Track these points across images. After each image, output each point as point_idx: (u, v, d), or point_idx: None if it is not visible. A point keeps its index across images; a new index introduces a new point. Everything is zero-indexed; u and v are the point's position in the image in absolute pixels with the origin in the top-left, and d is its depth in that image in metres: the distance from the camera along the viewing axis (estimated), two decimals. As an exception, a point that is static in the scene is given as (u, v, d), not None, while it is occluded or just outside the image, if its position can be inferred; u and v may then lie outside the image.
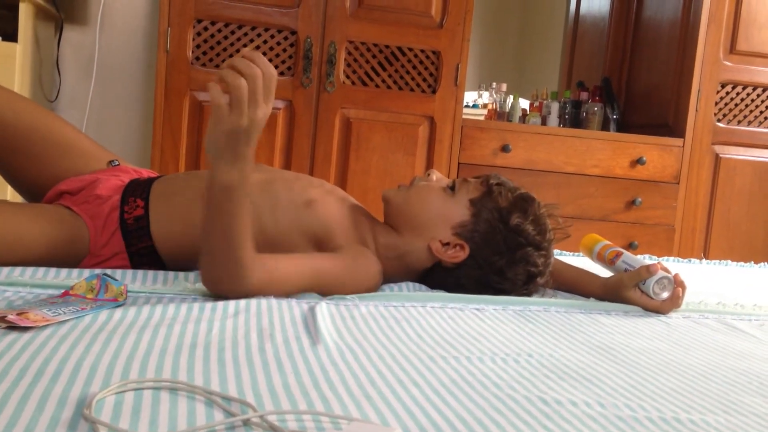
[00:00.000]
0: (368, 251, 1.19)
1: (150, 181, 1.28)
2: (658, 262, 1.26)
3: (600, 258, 1.35)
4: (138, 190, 1.25)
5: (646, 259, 1.37)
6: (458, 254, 1.20)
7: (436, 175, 1.27)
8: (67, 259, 1.17)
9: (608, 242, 1.37)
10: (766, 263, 2.03)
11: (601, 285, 1.30)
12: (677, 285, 1.22)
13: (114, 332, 0.82)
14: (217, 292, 1.02)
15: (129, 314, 0.90)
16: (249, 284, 1.01)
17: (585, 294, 1.33)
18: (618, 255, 1.30)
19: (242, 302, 1.01)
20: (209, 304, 0.98)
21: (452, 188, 1.23)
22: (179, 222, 1.21)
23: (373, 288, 1.17)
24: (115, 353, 0.75)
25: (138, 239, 1.21)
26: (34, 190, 1.35)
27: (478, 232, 1.19)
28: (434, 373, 0.79)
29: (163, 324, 0.87)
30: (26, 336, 0.78)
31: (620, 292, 1.25)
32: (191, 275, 1.16)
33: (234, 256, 0.99)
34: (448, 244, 1.20)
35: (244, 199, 0.98)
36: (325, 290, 1.10)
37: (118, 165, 1.37)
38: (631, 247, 2.83)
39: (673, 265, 1.90)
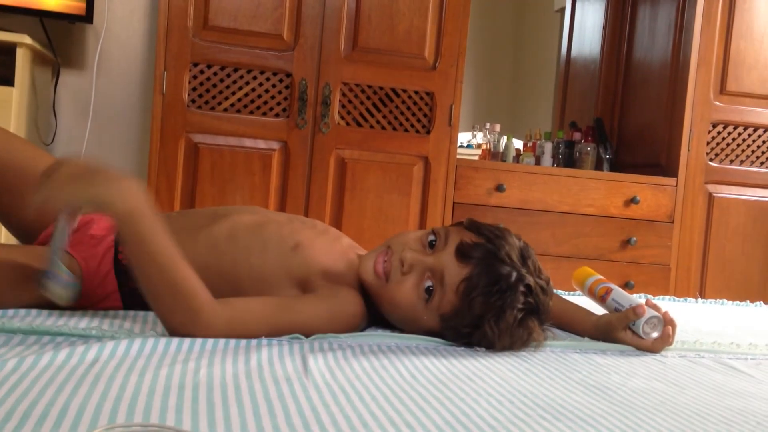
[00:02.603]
0: (350, 292, 1.16)
1: None
2: (647, 300, 1.25)
3: (591, 293, 1.34)
4: None
5: (641, 298, 1.36)
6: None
7: (409, 261, 1.12)
8: None
9: (599, 277, 1.36)
10: (761, 302, 2.02)
11: (592, 325, 1.29)
12: (667, 323, 1.21)
13: (101, 373, 0.81)
14: (175, 332, 1.01)
15: (117, 355, 0.89)
16: (212, 331, 1.01)
17: (575, 332, 1.32)
18: (608, 292, 1.29)
19: (231, 342, 1.00)
20: (197, 345, 0.97)
21: (429, 292, 1.11)
22: None
23: (353, 328, 1.15)
24: (102, 395, 0.74)
25: (132, 279, 1.20)
26: (27, 231, 1.34)
27: (448, 335, 1.14)
28: (428, 415, 0.77)
29: (151, 364, 0.86)
30: (13, 378, 0.77)
31: (610, 333, 1.24)
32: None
33: (173, 293, 0.99)
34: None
35: (159, 230, 1.00)
36: (296, 331, 1.08)
37: None
38: (627, 286, 2.82)
39: (669, 304, 1.89)
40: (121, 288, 1.20)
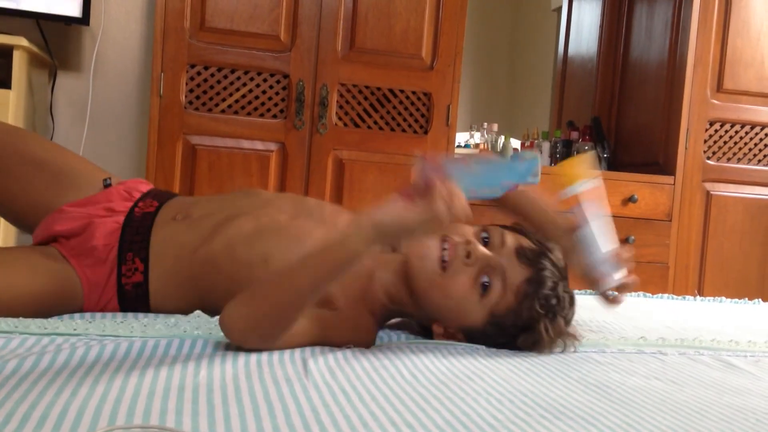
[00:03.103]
0: (368, 320, 1.13)
1: (147, 223, 1.22)
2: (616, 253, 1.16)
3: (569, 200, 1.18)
4: (136, 243, 1.19)
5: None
6: (456, 337, 1.16)
7: (477, 255, 1.10)
8: (57, 313, 1.15)
9: (588, 185, 1.17)
10: (759, 300, 2.03)
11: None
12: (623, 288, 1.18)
13: (101, 375, 0.81)
14: (239, 339, 0.96)
15: (117, 356, 0.89)
16: (276, 344, 0.98)
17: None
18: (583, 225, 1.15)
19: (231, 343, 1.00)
20: (198, 346, 0.97)
21: (484, 287, 1.10)
22: (179, 295, 1.17)
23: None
24: (102, 396, 0.74)
25: (134, 307, 1.18)
26: (24, 220, 1.30)
27: (485, 335, 1.14)
28: (428, 415, 0.77)
29: (151, 366, 0.86)
30: (13, 380, 0.77)
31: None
32: (182, 319, 1.15)
33: (293, 313, 0.95)
34: (449, 330, 1.16)
35: (346, 273, 0.95)
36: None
37: (111, 185, 1.30)
38: (625, 285, 2.82)
39: (668, 302, 1.90)
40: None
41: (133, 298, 1.18)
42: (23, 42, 2.37)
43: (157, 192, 1.33)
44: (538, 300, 1.10)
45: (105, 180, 1.32)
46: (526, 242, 1.14)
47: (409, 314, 1.21)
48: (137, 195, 1.30)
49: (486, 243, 1.13)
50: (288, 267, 0.96)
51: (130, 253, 1.18)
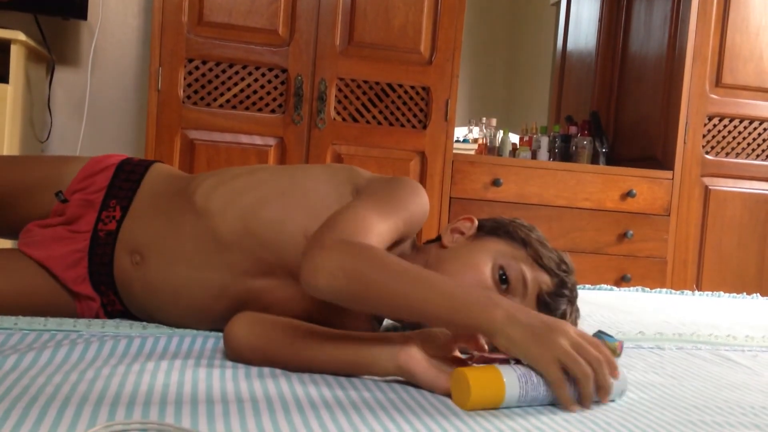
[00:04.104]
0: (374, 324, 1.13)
1: (109, 250, 1.12)
2: None
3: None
4: (103, 275, 1.12)
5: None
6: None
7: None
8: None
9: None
10: (757, 294, 2.03)
11: None
12: None
13: (101, 371, 0.81)
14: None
15: (117, 352, 0.89)
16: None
17: None
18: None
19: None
20: (198, 343, 0.97)
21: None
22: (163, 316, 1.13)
23: None
24: (101, 392, 0.74)
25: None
26: (8, 231, 1.27)
27: None
28: (426, 411, 0.78)
29: (151, 362, 0.86)
30: (12, 377, 0.77)
31: None
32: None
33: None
34: None
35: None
36: None
37: (66, 201, 1.18)
38: (623, 279, 2.83)
39: (666, 297, 1.90)
40: None
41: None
42: (21, 36, 2.36)
43: (121, 181, 1.20)
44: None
45: (58, 194, 1.19)
46: (545, 282, 1.01)
47: None
48: (98, 199, 1.18)
49: (503, 278, 1.01)
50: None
51: (103, 287, 1.14)
